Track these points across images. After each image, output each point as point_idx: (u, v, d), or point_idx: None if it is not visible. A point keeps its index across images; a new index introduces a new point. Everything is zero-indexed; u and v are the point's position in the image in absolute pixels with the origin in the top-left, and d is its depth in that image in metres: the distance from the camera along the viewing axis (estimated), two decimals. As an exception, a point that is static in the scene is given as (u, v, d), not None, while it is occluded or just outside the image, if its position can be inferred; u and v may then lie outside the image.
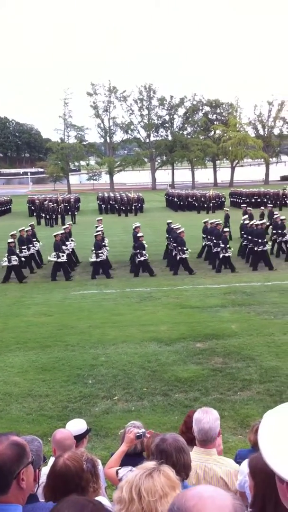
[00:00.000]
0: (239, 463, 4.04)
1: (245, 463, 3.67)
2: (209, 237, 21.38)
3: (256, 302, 14.82)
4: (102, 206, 48.05)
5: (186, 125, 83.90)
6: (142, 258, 19.38)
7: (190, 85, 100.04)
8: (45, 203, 41.71)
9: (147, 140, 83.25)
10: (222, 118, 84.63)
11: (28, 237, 21.45)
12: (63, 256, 19.42)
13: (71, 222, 30.46)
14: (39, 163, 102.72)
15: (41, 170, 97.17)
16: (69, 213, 41.79)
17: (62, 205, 42.43)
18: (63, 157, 76.76)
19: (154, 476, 1.70)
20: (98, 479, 3.29)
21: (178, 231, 19.98)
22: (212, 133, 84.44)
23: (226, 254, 19.42)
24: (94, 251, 19.39)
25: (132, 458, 4.27)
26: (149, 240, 24.91)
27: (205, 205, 45.41)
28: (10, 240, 19.61)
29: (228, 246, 19.46)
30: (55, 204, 41.67)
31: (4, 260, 19.25)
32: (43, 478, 3.32)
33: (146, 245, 19.61)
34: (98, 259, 19.30)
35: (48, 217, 40.25)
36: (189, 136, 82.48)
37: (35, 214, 43.16)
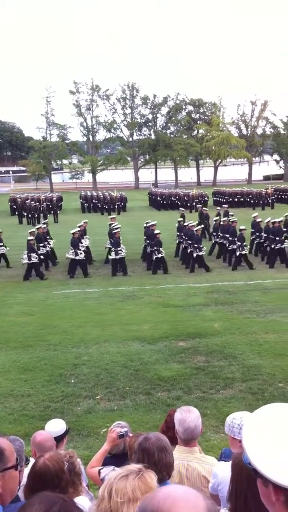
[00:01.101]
0: (224, 461, 4.04)
1: (219, 467, 3.68)
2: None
3: (239, 301, 14.89)
4: (85, 205, 47.86)
5: (169, 124, 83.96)
6: (160, 255, 19.43)
7: (173, 84, 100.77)
8: (27, 202, 41.32)
9: (130, 139, 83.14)
10: (205, 117, 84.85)
11: (44, 234, 21.43)
12: (81, 253, 19.44)
13: (46, 220, 30.19)
14: (21, 161, 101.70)
15: (23, 168, 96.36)
16: (52, 212, 41.53)
17: (44, 204, 42.18)
18: (45, 156, 76.36)
19: (129, 478, 1.69)
20: (79, 480, 3.26)
21: (194, 229, 20.19)
22: (195, 132, 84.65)
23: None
24: (113, 249, 19.38)
25: (116, 458, 4.25)
26: (131, 238, 25.01)
27: (188, 204, 45.50)
28: (30, 237, 19.63)
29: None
30: (37, 203, 41.39)
31: (24, 258, 19.28)
32: (25, 479, 3.29)
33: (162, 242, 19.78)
34: (117, 256, 19.33)
35: (30, 216, 39.91)
36: (172, 135, 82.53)
37: (17, 213, 42.78)
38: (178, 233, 22.54)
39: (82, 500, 3.23)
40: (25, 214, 40.63)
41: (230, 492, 2.74)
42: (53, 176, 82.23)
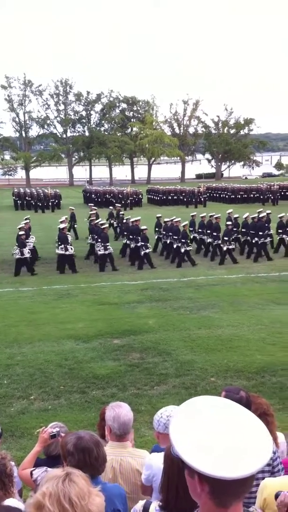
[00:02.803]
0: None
1: (153, 457, 3.74)
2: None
3: (172, 297, 15.11)
4: (18, 202, 46.98)
5: (103, 122, 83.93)
6: (147, 251, 19.77)
7: (107, 82, 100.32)
8: None
9: (64, 136, 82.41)
10: (139, 115, 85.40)
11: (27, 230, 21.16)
12: (71, 248, 19.41)
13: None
14: None
15: None
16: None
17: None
18: (-24, 151, 74.33)
19: (74, 479, 1.69)
20: (11, 482, 3.21)
21: (182, 225, 20.69)
22: (129, 130, 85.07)
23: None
24: (102, 244, 19.32)
25: (49, 460, 4.22)
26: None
27: (123, 202, 45.65)
28: (21, 232, 19.27)
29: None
30: None
31: (16, 253, 18.86)
32: None
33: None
34: (107, 251, 19.37)
35: None
36: (106, 133, 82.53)
37: None
38: (157, 229, 22.89)
39: (12, 503, 3.19)
40: None
41: (162, 483, 2.80)
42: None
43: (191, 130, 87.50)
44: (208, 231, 21.74)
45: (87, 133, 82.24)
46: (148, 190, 51.98)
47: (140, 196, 48.04)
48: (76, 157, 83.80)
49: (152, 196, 50.38)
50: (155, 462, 3.62)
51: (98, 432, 4.54)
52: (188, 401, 1.62)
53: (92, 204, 33.07)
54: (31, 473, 3.80)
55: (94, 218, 22.58)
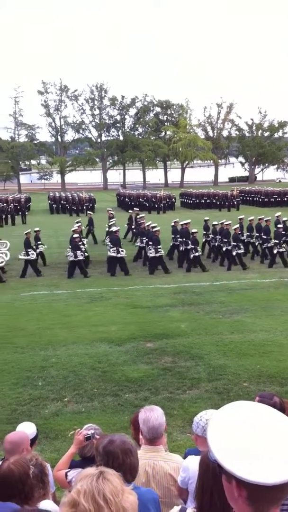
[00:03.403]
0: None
1: (190, 460, 3.77)
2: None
3: (205, 301, 15.09)
4: (53, 206, 47.62)
5: (137, 126, 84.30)
6: (197, 254, 19.93)
7: (141, 86, 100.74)
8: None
9: (99, 140, 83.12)
10: (173, 119, 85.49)
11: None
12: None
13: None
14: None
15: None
16: (19, 213, 41.14)
17: (12, 205, 41.74)
18: (13, 156, 75.71)
19: (108, 477, 1.73)
20: (46, 484, 3.27)
21: (233, 227, 20.65)
22: (163, 134, 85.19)
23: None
24: (153, 246, 19.43)
25: (84, 461, 4.27)
26: (100, 239, 24.99)
27: (156, 206, 45.76)
28: (75, 235, 19.78)
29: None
30: (4, 204, 40.91)
31: (70, 255, 19.39)
32: None
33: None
34: (158, 254, 19.51)
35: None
36: (140, 137, 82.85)
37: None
38: (205, 232, 22.77)
39: (48, 504, 3.25)
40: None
41: (197, 489, 2.80)
42: (21, 176, 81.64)
43: (224, 133, 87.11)
44: (257, 234, 21.98)
45: (121, 137, 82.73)
46: (181, 193, 51.95)
47: (173, 199, 48.04)
48: (110, 161, 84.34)
49: (185, 200, 50.32)
50: (192, 465, 3.63)
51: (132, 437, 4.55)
52: (226, 406, 1.63)
53: (138, 209, 32.85)
54: (66, 474, 3.86)
55: (144, 221, 22.64)
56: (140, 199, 48.24)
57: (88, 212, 30.72)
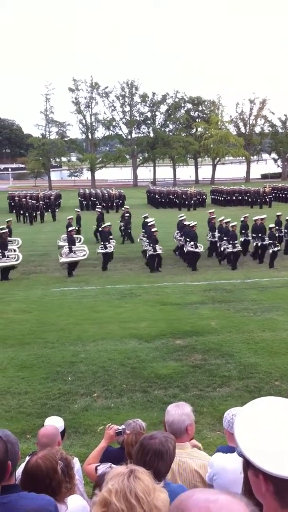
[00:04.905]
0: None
1: (216, 456, 3.71)
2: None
3: (236, 299, 14.93)
4: (84, 202, 47.83)
5: (168, 122, 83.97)
6: (276, 249, 19.90)
7: (172, 82, 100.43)
8: (23, 200, 40.97)
9: (129, 137, 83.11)
10: (204, 115, 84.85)
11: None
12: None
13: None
14: (20, 159, 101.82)
15: (22, 166, 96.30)
16: (50, 210, 41.44)
17: (41, 201, 42.07)
18: (44, 153, 76.30)
19: (139, 476, 1.71)
20: (72, 479, 3.26)
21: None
22: (194, 130, 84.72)
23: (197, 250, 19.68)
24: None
25: (122, 450, 4.25)
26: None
27: (186, 202, 45.54)
28: (154, 229, 19.90)
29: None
30: (35, 201, 41.22)
31: (149, 249, 19.61)
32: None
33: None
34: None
35: (27, 214, 39.68)
36: (171, 133, 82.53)
37: (14, 211, 42.65)
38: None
39: (75, 499, 3.23)
40: (22, 212, 40.43)
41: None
42: (51, 173, 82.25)
43: (257, 129, 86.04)
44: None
45: (151, 134, 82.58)
46: (212, 190, 51.56)
47: (204, 196, 47.71)
48: (141, 158, 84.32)
49: (216, 197, 49.92)
50: (217, 461, 3.61)
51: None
52: (253, 401, 1.61)
53: (128, 207, 32.25)
54: (96, 468, 3.87)
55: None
56: (170, 196, 48.08)
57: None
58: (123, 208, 30.97)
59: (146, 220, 22.17)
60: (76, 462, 4.05)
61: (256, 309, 13.79)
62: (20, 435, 7.14)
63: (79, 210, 28.40)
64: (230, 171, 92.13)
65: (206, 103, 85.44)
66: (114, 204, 45.85)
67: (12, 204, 44.81)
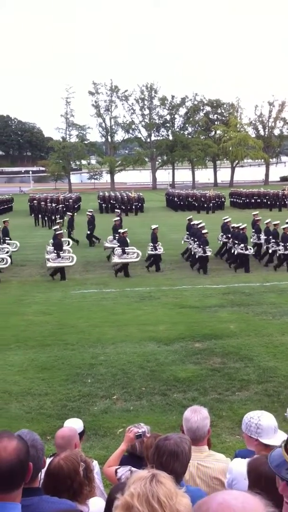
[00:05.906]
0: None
1: (234, 462, 3.72)
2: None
3: (255, 302, 14.88)
4: (103, 205, 48.02)
5: (187, 125, 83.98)
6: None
7: (191, 85, 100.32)
8: (42, 203, 41.09)
9: (148, 140, 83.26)
10: (223, 118, 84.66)
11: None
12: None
13: (61, 221, 30.43)
14: (41, 161, 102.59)
15: (43, 168, 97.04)
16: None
17: (61, 204, 42.26)
18: (64, 156, 76.85)
19: (161, 480, 1.72)
20: (91, 481, 3.28)
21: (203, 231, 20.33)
22: (213, 133, 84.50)
23: (205, 254, 19.49)
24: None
25: (132, 458, 4.29)
26: (148, 239, 25.00)
27: (205, 205, 45.44)
28: (204, 231, 20.04)
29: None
30: (54, 204, 41.37)
31: (198, 251, 19.63)
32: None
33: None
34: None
35: (46, 218, 39.79)
36: (189, 136, 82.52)
37: (33, 214, 42.79)
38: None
39: (96, 501, 3.26)
40: (41, 215, 40.55)
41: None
42: (71, 176, 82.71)
43: (276, 131, 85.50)
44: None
45: (170, 137, 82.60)
46: (230, 193, 51.36)
47: (222, 199, 47.55)
48: (160, 160, 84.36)
49: (234, 199, 49.72)
50: (236, 466, 3.60)
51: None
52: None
53: (119, 211, 32.23)
54: (116, 471, 3.89)
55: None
56: (189, 199, 48.01)
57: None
58: (117, 211, 30.73)
59: (193, 222, 22.04)
60: (95, 465, 4.09)
61: (275, 313, 13.73)
62: (40, 436, 7.18)
63: (91, 212, 28.27)
64: (249, 173, 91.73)
65: (225, 105, 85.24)
66: (133, 207, 45.94)
67: (32, 206, 45.05)
